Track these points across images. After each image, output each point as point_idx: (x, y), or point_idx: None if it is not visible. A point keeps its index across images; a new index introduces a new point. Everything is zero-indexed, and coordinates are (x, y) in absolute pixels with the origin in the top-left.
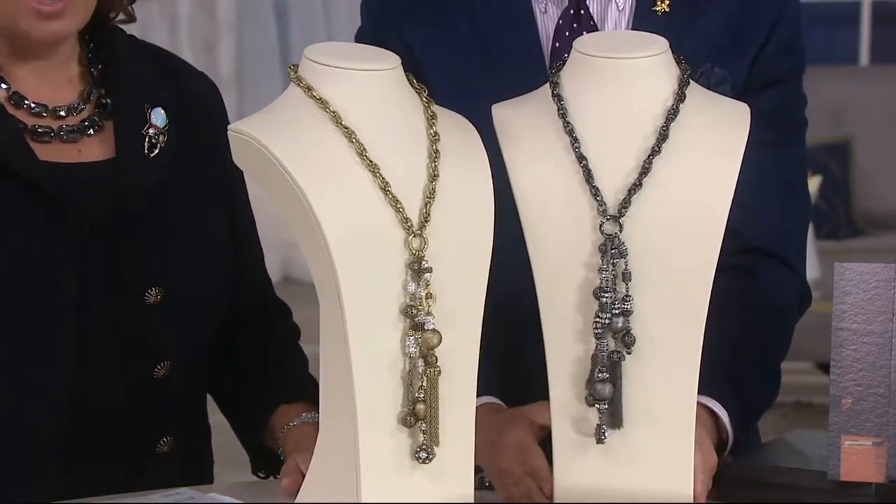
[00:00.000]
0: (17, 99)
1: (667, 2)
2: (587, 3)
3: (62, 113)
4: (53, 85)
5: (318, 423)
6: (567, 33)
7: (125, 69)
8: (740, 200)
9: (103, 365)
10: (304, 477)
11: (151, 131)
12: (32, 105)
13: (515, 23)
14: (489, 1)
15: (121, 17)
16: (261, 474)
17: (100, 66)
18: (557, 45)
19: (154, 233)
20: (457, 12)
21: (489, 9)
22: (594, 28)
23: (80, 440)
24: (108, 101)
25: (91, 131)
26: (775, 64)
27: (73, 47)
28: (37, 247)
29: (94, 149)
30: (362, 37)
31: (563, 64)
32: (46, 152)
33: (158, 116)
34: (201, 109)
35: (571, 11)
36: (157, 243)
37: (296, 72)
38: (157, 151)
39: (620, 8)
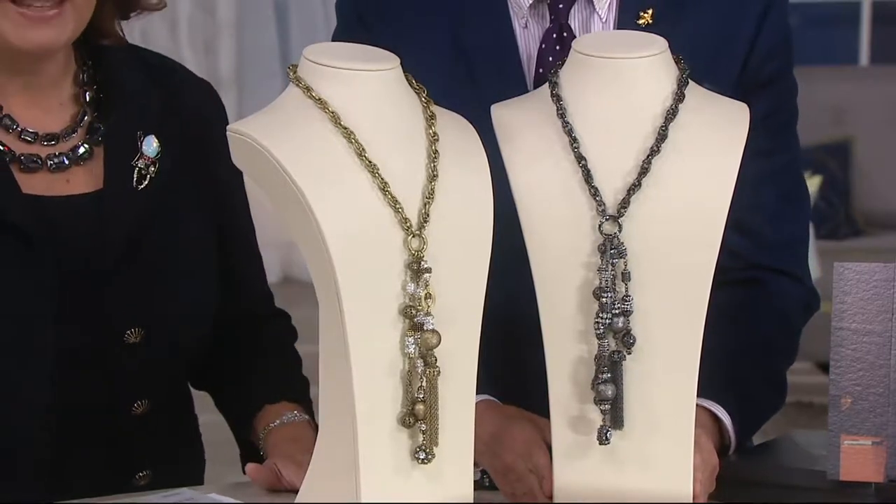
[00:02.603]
0: (7, 122)
1: (650, 13)
2: (569, 20)
3: (51, 142)
4: (44, 108)
5: (300, 422)
6: (551, 58)
7: (121, 94)
8: (736, 221)
9: (80, 403)
10: (276, 480)
11: (141, 163)
12: (21, 130)
13: (496, 40)
14: (471, 15)
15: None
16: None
17: (95, 87)
18: (541, 70)
19: (138, 271)
20: (439, 27)
21: (471, 24)
22: None
23: (57, 474)
24: (101, 126)
25: (80, 160)
26: (763, 68)
27: (66, 65)
28: (16, 283)
29: (82, 179)
30: (338, 31)
31: (562, 64)
32: (32, 184)
33: (150, 146)
34: (198, 123)
35: (554, 35)
36: (139, 283)
37: (295, 72)
38: (145, 183)
39: (604, 20)
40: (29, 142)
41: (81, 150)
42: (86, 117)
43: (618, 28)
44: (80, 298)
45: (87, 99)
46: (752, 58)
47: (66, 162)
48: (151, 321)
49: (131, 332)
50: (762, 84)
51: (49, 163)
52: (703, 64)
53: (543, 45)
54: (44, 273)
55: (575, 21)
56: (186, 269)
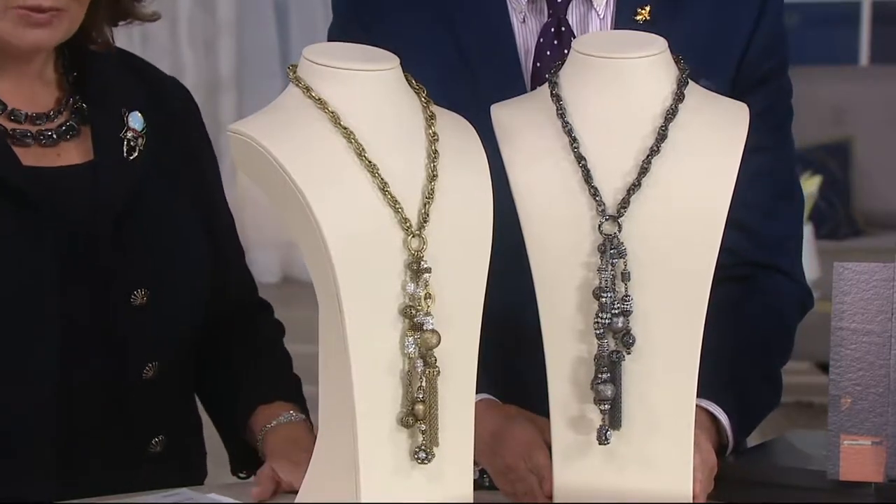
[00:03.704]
0: None
1: (647, 9)
2: (567, 15)
3: (40, 121)
4: (30, 92)
5: (296, 422)
6: (548, 52)
7: (100, 74)
8: (730, 218)
9: (92, 368)
10: (276, 486)
11: (129, 134)
12: (11, 111)
13: (494, 36)
14: (468, 12)
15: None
16: (241, 475)
17: (75, 73)
18: (539, 64)
19: (136, 234)
20: (436, 24)
21: (468, 20)
22: None
23: (72, 444)
24: (85, 105)
25: (69, 136)
26: (759, 66)
27: (49, 54)
28: (20, 252)
29: (73, 153)
30: (331, 37)
31: (562, 64)
32: (26, 157)
33: (136, 120)
34: (175, 115)
35: (552, 28)
36: (140, 245)
37: (295, 72)
38: (135, 154)
39: (601, 16)
40: (18, 121)
41: (69, 127)
42: (71, 99)
43: (615, 24)
44: (83, 263)
45: (69, 82)
46: (747, 55)
47: (57, 137)
48: (155, 282)
49: (136, 294)
50: (757, 82)
51: (40, 138)
52: (699, 61)
53: (541, 40)
54: (47, 238)
55: (573, 17)
56: (182, 234)
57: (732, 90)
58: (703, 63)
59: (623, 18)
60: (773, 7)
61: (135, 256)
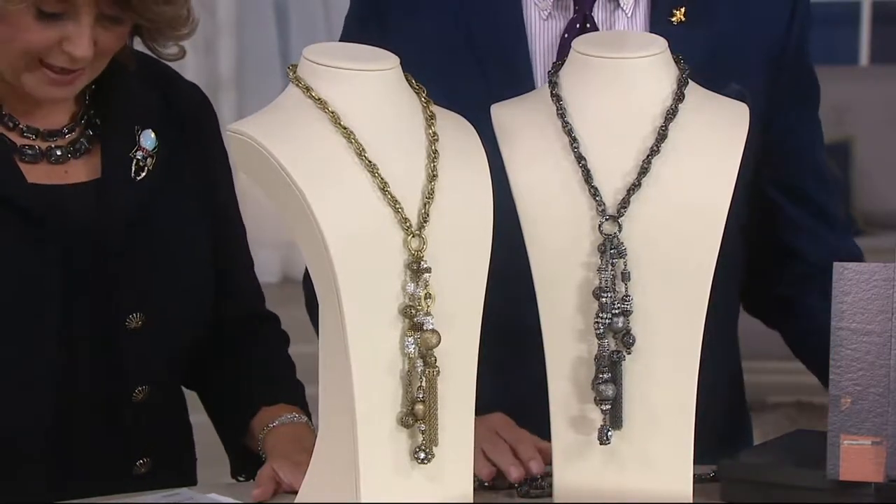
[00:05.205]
0: (7, 120)
1: (682, 10)
2: (592, 12)
3: (51, 138)
4: (45, 107)
5: (299, 423)
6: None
7: (117, 90)
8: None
9: (83, 388)
10: (276, 486)
11: (139, 154)
12: (23, 127)
13: (504, 33)
14: (477, 8)
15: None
16: (240, 478)
17: (92, 87)
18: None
19: (137, 258)
20: (446, 17)
21: (478, 17)
22: None
23: (62, 459)
24: (99, 121)
25: (79, 154)
26: (795, 79)
27: None
28: (20, 270)
29: (81, 170)
30: (347, 28)
31: (562, 64)
32: (33, 173)
33: (148, 139)
34: (192, 123)
35: (577, 25)
36: (139, 269)
37: (294, 72)
38: (143, 174)
39: (629, 15)
40: (31, 138)
41: (80, 143)
42: (85, 116)
43: (650, 26)
44: (85, 282)
45: (87, 97)
46: (785, 54)
47: (66, 154)
48: (151, 307)
49: (132, 318)
50: (794, 101)
51: (49, 155)
52: (731, 62)
53: (566, 35)
54: (50, 255)
55: (599, 14)
56: (185, 258)
57: (773, 89)
58: (735, 64)
59: (658, 20)
60: (802, 9)
61: (134, 280)
